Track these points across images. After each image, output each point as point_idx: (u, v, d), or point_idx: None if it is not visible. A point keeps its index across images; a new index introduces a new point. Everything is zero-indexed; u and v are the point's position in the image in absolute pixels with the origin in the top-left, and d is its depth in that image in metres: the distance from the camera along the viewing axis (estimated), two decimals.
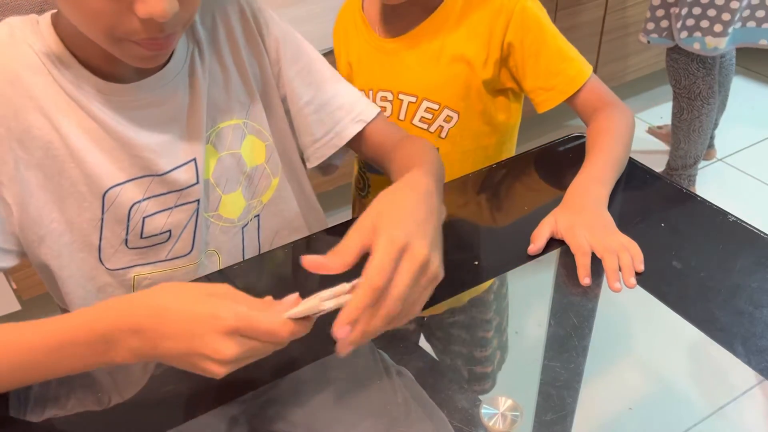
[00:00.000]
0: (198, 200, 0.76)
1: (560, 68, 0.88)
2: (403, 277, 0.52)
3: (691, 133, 1.97)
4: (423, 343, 0.69)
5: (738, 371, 0.61)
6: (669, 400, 0.60)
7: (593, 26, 2.24)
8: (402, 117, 0.95)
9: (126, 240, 0.74)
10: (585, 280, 0.69)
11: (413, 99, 0.93)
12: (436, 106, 0.93)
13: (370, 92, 0.96)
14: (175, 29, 0.63)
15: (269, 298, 0.54)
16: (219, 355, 0.49)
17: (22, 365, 0.56)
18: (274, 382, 0.63)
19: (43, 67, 0.67)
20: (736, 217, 0.77)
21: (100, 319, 0.53)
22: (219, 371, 0.51)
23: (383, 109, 0.94)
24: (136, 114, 0.70)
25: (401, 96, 0.94)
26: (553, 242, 0.74)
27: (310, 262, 0.52)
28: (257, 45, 0.79)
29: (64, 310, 0.79)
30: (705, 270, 0.71)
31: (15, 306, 1.60)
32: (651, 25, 1.83)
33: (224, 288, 0.53)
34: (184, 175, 0.74)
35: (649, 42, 1.86)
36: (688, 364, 0.64)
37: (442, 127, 0.94)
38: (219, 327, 0.49)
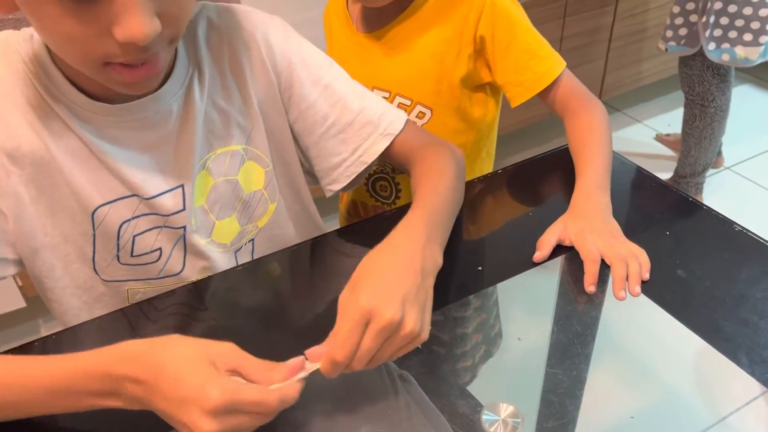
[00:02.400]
0: (184, 227, 0.74)
1: (529, 65, 0.89)
2: (368, 343, 0.54)
3: (702, 140, 1.96)
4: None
5: (741, 381, 0.60)
6: (671, 409, 0.59)
7: (602, 32, 2.23)
8: None
9: (118, 256, 0.74)
10: (590, 287, 0.69)
11: (386, 94, 0.95)
12: (408, 102, 0.94)
13: None
14: (157, 49, 0.59)
15: (270, 363, 0.54)
16: (198, 430, 0.48)
17: (20, 401, 0.55)
18: None
19: (33, 84, 0.66)
20: (741, 227, 0.76)
21: (103, 366, 0.52)
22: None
23: None
24: (123, 135, 0.68)
25: (375, 91, 0.95)
26: (557, 249, 0.74)
27: (313, 354, 0.55)
28: (263, 69, 0.76)
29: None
30: (710, 279, 0.70)
31: (20, 303, 1.60)
32: (670, 33, 1.83)
33: (227, 349, 0.53)
34: (171, 201, 0.72)
35: (667, 50, 1.85)
36: (691, 374, 0.64)
37: (415, 122, 0.94)
38: (204, 405, 0.48)
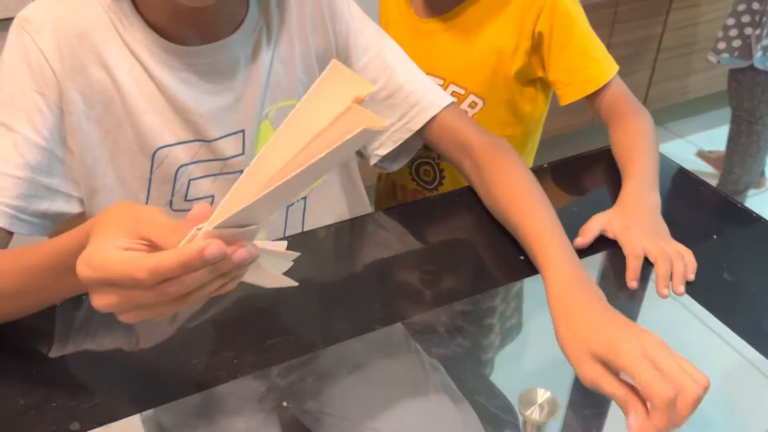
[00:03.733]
0: (242, 171, 0.76)
1: (582, 65, 0.90)
2: None
3: (746, 158, 1.93)
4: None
5: None
6: (701, 418, 0.59)
7: (650, 43, 2.21)
8: None
9: (171, 201, 0.76)
10: (632, 283, 0.68)
11: (441, 81, 0.95)
12: (462, 91, 0.95)
13: None
14: None
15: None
16: (93, 302, 0.43)
17: (24, 285, 0.57)
18: (305, 359, 0.63)
19: (111, 24, 0.68)
20: None
21: (83, 230, 0.49)
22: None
23: None
24: (193, 78, 0.71)
25: (430, 77, 0.94)
26: (600, 245, 0.74)
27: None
28: (325, 30, 0.79)
29: None
30: (756, 284, 0.69)
31: None
32: (723, 45, 1.81)
33: (147, 215, 0.45)
34: (231, 145, 0.75)
35: (719, 62, 1.83)
36: (725, 387, 0.63)
37: (467, 112, 0.95)
38: (84, 273, 0.42)
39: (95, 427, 0.55)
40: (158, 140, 0.72)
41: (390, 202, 1.11)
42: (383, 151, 0.84)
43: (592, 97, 0.91)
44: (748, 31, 1.75)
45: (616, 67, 0.91)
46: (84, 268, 0.42)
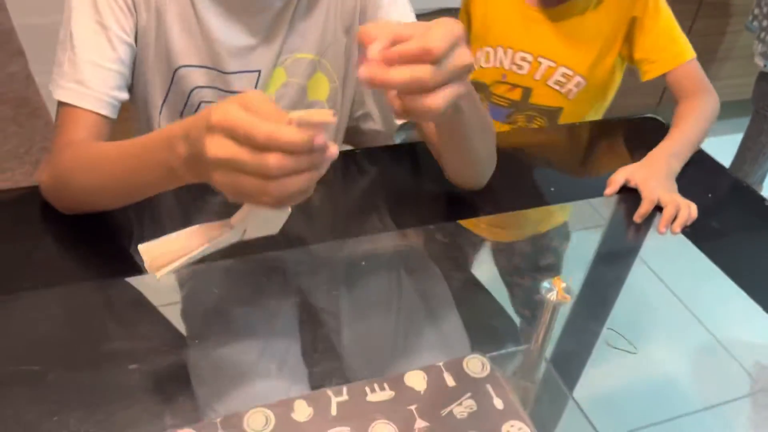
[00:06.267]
0: None
1: (666, 46, 1.02)
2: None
3: (759, 156, 2.06)
4: None
5: (737, 378, 0.71)
6: (674, 389, 0.71)
7: None
8: (537, 77, 1.08)
9: (181, 113, 0.84)
10: (637, 218, 0.83)
11: (552, 64, 1.06)
12: (571, 72, 1.06)
13: (509, 51, 1.07)
14: None
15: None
16: (205, 153, 0.46)
17: (125, 162, 0.61)
18: (328, 261, 0.75)
19: None
20: None
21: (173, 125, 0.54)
22: (215, 178, 0.47)
23: (519, 67, 1.07)
24: (229, 14, 0.77)
25: (540, 59, 1.06)
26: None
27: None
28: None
29: None
30: (742, 232, 0.84)
31: None
32: None
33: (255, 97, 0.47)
34: (244, 81, 0.80)
35: (765, 66, 1.95)
36: (693, 361, 0.75)
37: (571, 90, 1.07)
38: (207, 123, 0.46)
39: None
40: (181, 59, 0.79)
41: None
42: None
43: (669, 75, 1.02)
44: None
45: (694, 53, 1.02)
46: (218, 115, 0.45)
